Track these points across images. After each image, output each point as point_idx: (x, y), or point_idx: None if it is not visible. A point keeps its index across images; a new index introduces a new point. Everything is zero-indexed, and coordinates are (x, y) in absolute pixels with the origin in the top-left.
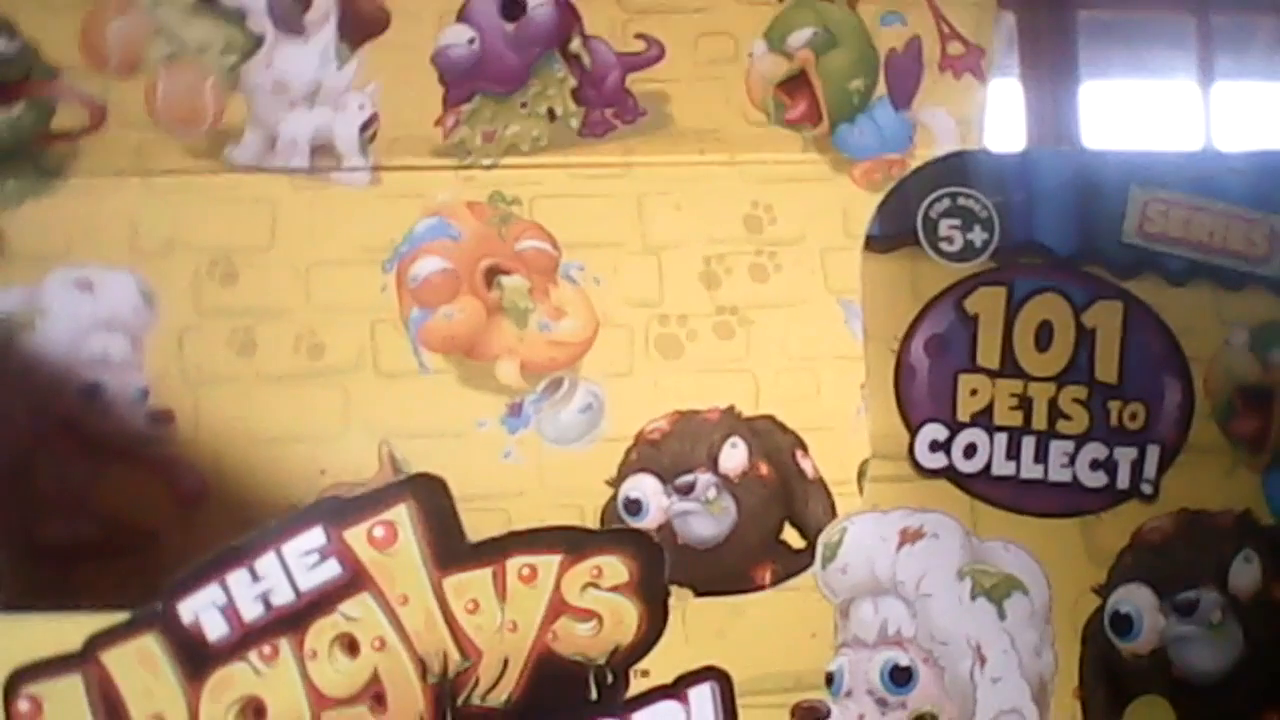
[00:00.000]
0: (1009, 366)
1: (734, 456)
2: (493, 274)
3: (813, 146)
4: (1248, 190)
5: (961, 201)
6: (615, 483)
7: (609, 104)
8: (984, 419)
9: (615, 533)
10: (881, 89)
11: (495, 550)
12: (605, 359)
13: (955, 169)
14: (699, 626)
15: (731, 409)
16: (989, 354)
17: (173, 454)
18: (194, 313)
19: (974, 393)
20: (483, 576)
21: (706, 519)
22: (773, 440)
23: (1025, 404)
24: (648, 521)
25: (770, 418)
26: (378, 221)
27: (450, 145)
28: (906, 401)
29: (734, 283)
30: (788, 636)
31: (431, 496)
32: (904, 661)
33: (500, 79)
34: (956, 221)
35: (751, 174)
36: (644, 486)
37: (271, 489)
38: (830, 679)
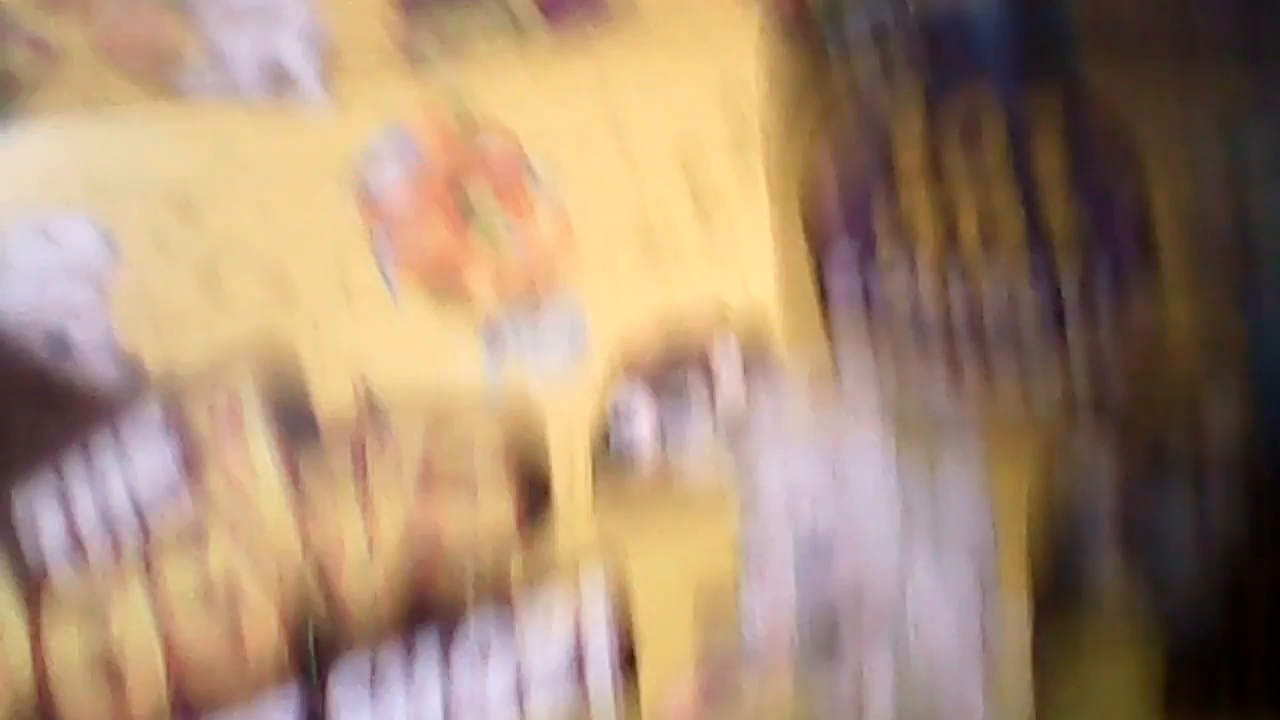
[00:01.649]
0: (936, 170)
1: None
2: (458, 184)
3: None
4: None
5: None
6: (602, 394)
7: None
8: (910, 230)
9: (488, 395)
10: None
11: (358, 425)
12: (582, 263)
13: None
14: (584, 509)
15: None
16: (914, 158)
17: (143, 399)
18: (156, 251)
19: (896, 202)
20: (346, 453)
21: None
22: None
23: (957, 210)
24: (638, 437)
25: None
26: (334, 138)
27: (403, 50)
28: (815, 219)
29: (713, 171)
30: (696, 534)
31: (286, 378)
32: (830, 548)
33: None
34: (878, 13)
35: (724, 60)
36: (632, 401)
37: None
38: (747, 584)
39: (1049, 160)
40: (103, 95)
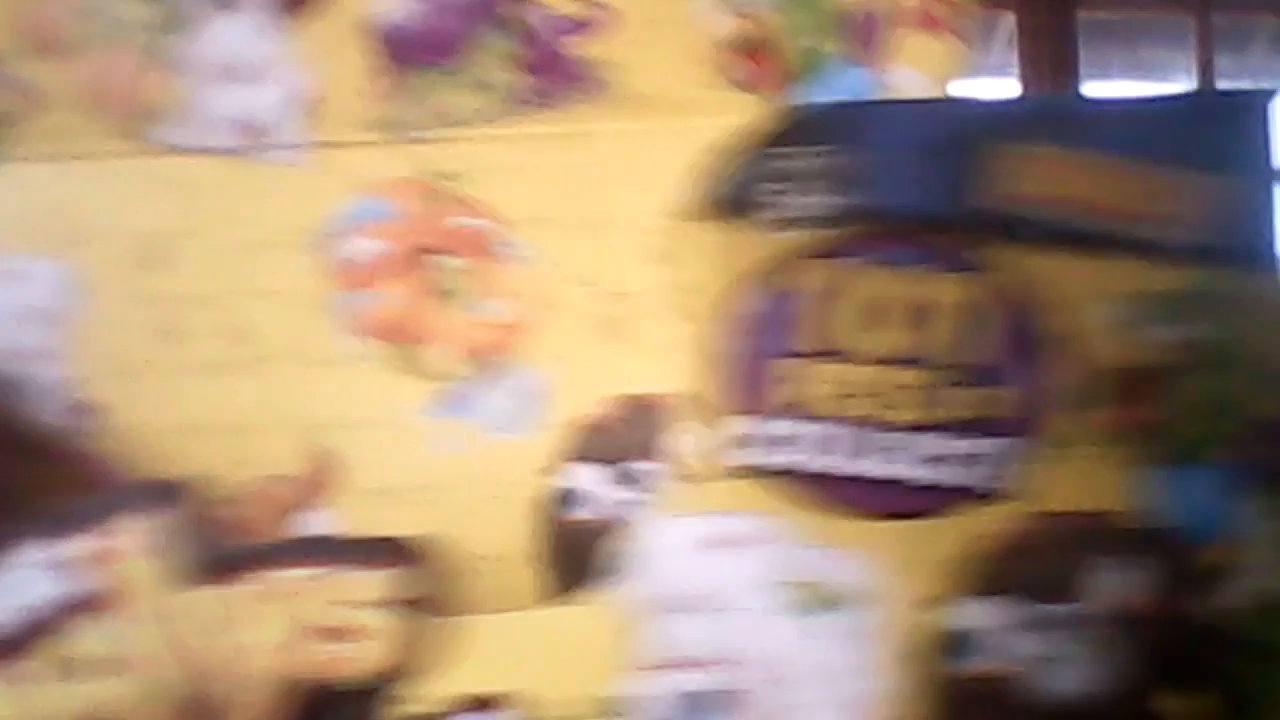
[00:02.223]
0: (834, 348)
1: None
2: (427, 254)
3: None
4: (1123, 140)
5: (793, 162)
6: (555, 473)
7: (551, 71)
8: (801, 409)
9: (374, 543)
10: (843, 48)
11: (240, 564)
12: (545, 342)
13: (788, 126)
14: (475, 646)
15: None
16: (813, 335)
17: (99, 447)
18: (122, 300)
19: (791, 379)
20: (226, 593)
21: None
22: None
23: (852, 391)
24: (589, 513)
25: None
26: (308, 201)
27: (384, 118)
28: (714, 390)
29: (686, 269)
30: (578, 657)
31: (172, 506)
32: (708, 684)
33: (437, 48)
34: (783, 185)
35: (704, 141)
36: (585, 476)
37: (199, 481)
38: (626, 703)
39: (946, 344)
40: (81, 142)
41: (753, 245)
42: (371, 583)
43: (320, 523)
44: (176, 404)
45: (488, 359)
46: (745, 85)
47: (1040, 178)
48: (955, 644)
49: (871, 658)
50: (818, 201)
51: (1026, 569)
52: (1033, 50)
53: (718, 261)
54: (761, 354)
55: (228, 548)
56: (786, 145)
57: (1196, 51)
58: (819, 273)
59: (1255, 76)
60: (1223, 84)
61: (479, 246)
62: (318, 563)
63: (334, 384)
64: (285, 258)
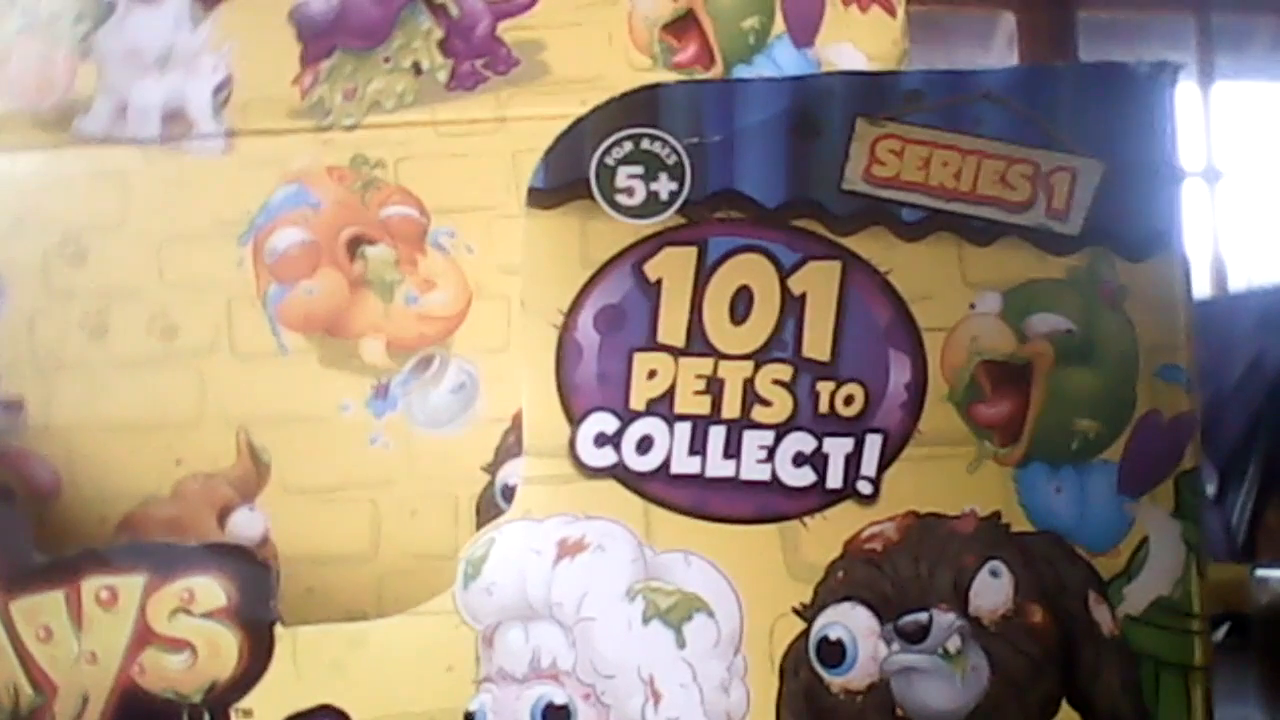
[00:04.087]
0: (696, 343)
1: None
2: (356, 244)
3: None
4: (1006, 120)
5: (646, 145)
6: (492, 469)
7: (479, 54)
8: (663, 406)
9: (211, 549)
10: (780, 26)
11: (69, 570)
12: (479, 334)
13: (641, 106)
14: (312, 659)
15: None
16: (673, 328)
17: (23, 445)
18: (44, 295)
19: (652, 375)
20: (55, 600)
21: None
22: None
23: (715, 387)
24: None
25: None
26: (233, 191)
27: (308, 106)
28: (570, 387)
29: None
30: (419, 670)
31: (3, 507)
32: (560, 699)
33: (362, 33)
34: (638, 169)
35: None
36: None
37: (126, 480)
38: (476, 717)
39: (822, 337)
40: (2, 135)
41: (610, 232)
42: (212, 592)
43: (252, 521)
44: (102, 400)
45: (422, 352)
46: (680, 67)
47: (915, 159)
48: (827, 654)
49: (738, 668)
50: (679, 186)
51: (903, 575)
52: (1033, 50)
53: (572, 249)
54: (622, 348)
55: (63, 552)
56: (645, 126)
57: (1196, 51)
58: (684, 262)
59: (1255, 76)
60: (1223, 84)
61: (409, 236)
62: (157, 570)
63: (264, 379)
64: (212, 250)
